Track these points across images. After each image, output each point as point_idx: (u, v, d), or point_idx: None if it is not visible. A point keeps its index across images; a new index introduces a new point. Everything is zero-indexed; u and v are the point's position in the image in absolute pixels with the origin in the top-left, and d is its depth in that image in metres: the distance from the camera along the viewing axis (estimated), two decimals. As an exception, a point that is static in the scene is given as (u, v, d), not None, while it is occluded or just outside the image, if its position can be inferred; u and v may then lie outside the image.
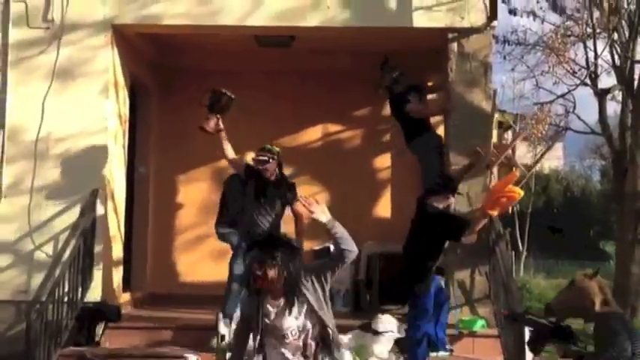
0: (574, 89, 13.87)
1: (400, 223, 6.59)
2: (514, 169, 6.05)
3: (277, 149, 6.25)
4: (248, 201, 6.23)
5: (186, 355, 4.78)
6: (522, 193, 5.61)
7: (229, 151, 6.34)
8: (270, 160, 6.13)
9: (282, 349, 3.60)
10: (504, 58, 14.45)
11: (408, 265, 5.74)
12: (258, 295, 3.65)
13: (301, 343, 3.61)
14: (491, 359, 5.81)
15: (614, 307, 4.27)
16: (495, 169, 6.62)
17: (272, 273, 3.58)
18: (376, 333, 5.97)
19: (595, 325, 4.18)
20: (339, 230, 3.76)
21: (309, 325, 3.62)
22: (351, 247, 3.73)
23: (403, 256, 5.86)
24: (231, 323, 5.71)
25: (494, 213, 5.60)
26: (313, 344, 3.64)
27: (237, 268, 5.89)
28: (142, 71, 7.79)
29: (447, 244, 5.86)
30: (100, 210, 6.52)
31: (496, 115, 9.10)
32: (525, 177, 6.78)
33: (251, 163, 6.33)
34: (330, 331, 3.66)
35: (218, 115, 6.34)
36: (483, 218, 5.59)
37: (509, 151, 6.42)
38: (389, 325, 6.00)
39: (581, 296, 4.25)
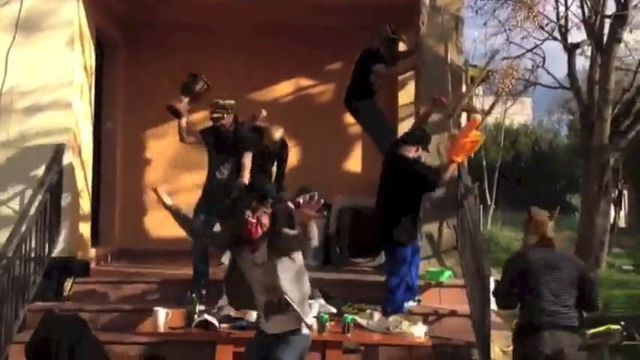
0: (541, 43, 13.97)
1: (370, 177, 6.65)
2: (474, 115, 6.12)
3: (231, 102, 6.30)
4: (212, 156, 6.38)
5: (155, 308, 4.79)
6: (483, 136, 5.70)
7: (184, 135, 6.47)
8: (225, 116, 6.24)
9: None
10: (476, 12, 14.46)
11: (386, 219, 5.77)
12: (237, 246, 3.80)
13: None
14: (457, 308, 5.93)
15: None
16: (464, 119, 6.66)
17: (265, 220, 3.79)
18: None
19: None
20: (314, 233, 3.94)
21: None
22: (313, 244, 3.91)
23: (378, 213, 5.90)
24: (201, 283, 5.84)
25: (459, 159, 5.72)
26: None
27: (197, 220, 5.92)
28: (109, 24, 7.62)
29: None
30: (66, 165, 6.43)
31: (469, 70, 9.14)
32: (483, 121, 6.91)
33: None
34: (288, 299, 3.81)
35: (187, 99, 6.35)
36: (450, 165, 5.68)
37: (469, 99, 6.46)
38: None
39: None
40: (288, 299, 3.81)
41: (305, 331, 3.91)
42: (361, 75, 7.01)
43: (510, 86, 14.35)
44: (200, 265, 5.97)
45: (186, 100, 6.35)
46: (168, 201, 4.32)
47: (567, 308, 4.33)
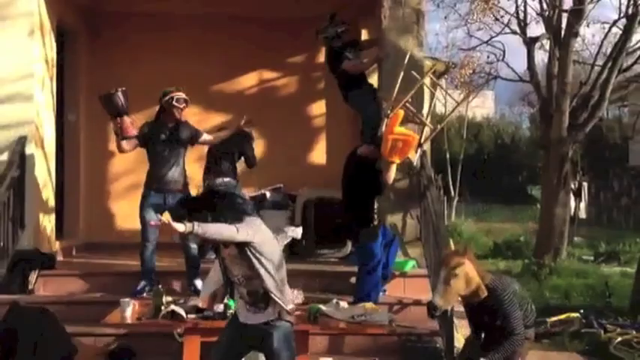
0: (495, 36, 14.21)
1: (335, 169, 6.70)
2: (397, 113, 6.01)
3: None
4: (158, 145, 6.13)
5: (122, 300, 4.80)
6: (417, 136, 5.75)
7: (124, 146, 6.13)
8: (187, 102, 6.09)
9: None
10: (437, 5, 14.63)
11: (349, 215, 5.93)
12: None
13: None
14: (421, 298, 6.04)
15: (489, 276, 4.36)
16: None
17: None
18: None
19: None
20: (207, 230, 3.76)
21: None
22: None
23: (344, 208, 6.05)
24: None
25: (396, 160, 5.68)
26: None
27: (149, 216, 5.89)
28: (69, 14, 7.54)
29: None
30: (29, 158, 6.38)
31: (429, 62, 9.23)
32: (435, 131, 6.85)
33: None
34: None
35: (124, 117, 6.02)
36: (387, 166, 5.71)
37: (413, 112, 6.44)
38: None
39: (467, 283, 4.25)
40: (267, 288, 3.87)
41: (287, 318, 3.96)
42: (337, 74, 6.98)
43: (467, 77, 14.56)
44: (152, 260, 5.99)
45: (125, 122, 6.01)
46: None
47: None
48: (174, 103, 5.98)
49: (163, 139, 6.05)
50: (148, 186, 6.03)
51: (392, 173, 5.81)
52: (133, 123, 6.06)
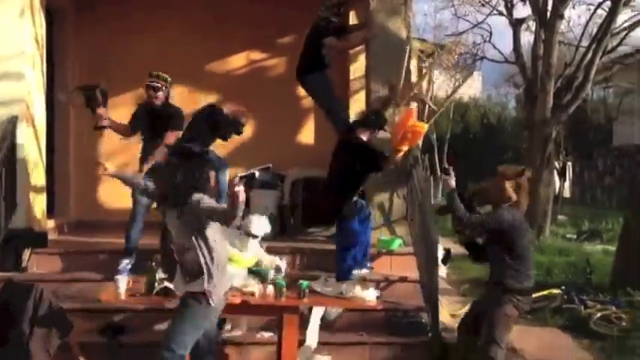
0: (484, 20, 14.29)
1: (323, 149, 6.81)
2: (414, 106, 6.29)
3: (168, 77, 6.25)
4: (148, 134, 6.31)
5: (116, 277, 4.89)
6: (426, 126, 5.93)
7: (122, 131, 6.43)
8: (163, 88, 6.19)
9: None
10: (425, -14, 14.65)
11: (331, 195, 6.04)
12: None
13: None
14: (407, 275, 6.19)
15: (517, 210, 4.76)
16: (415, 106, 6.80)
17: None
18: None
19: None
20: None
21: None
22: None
23: (326, 188, 6.18)
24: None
25: (404, 148, 5.95)
26: None
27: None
28: (58, -7, 7.54)
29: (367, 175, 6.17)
30: (20, 137, 6.41)
31: (417, 44, 9.31)
32: (437, 112, 7.01)
33: None
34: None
35: (103, 109, 6.19)
36: (396, 154, 5.97)
37: (420, 89, 6.59)
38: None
39: (497, 191, 4.75)
40: (200, 262, 4.07)
41: (205, 300, 4.13)
42: (312, 48, 7.02)
43: (452, 62, 14.68)
44: (137, 239, 6.09)
45: (102, 114, 6.18)
46: (120, 174, 4.76)
47: None
48: (145, 90, 6.20)
49: (150, 118, 6.21)
50: (141, 164, 6.11)
51: (399, 158, 6.03)
52: (105, 114, 6.23)
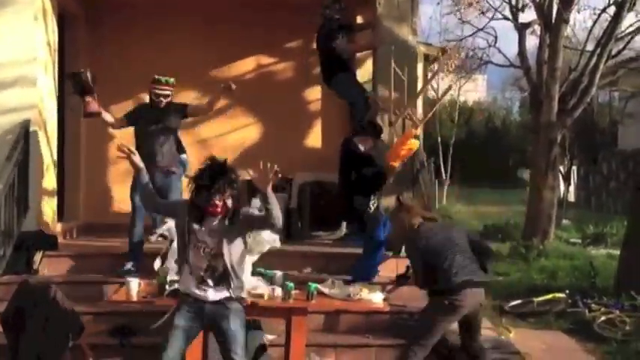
0: (487, 23, 14.35)
1: (330, 153, 6.88)
2: (412, 126, 6.51)
3: (172, 80, 6.39)
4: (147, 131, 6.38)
5: (128, 279, 4.96)
6: (418, 143, 6.22)
7: (111, 121, 6.51)
8: (171, 94, 6.36)
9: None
10: (431, -10, 14.73)
11: (347, 203, 6.22)
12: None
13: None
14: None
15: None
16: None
17: (230, 202, 4.05)
18: None
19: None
20: (273, 202, 4.07)
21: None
22: (278, 223, 4.11)
23: (340, 195, 6.35)
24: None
25: (397, 164, 6.16)
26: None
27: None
28: (70, -1, 7.65)
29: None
30: (32, 141, 6.51)
31: (422, 48, 9.37)
32: (426, 118, 7.24)
33: None
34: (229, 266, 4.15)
35: (93, 95, 6.29)
36: (389, 170, 6.13)
37: (411, 110, 6.74)
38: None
39: (400, 229, 5.10)
40: (229, 268, 4.12)
41: (244, 304, 4.26)
42: (326, 53, 7.16)
43: (453, 67, 14.75)
44: (140, 241, 6.21)
45: (92, 99, 6.27)
46: (139, 161, 4.59)
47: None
48: (153, 97, 6.32)
49: (152, 119, 6.29)
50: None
51: (394, 172, 6.21)
52: (97, 101, 6.30)
